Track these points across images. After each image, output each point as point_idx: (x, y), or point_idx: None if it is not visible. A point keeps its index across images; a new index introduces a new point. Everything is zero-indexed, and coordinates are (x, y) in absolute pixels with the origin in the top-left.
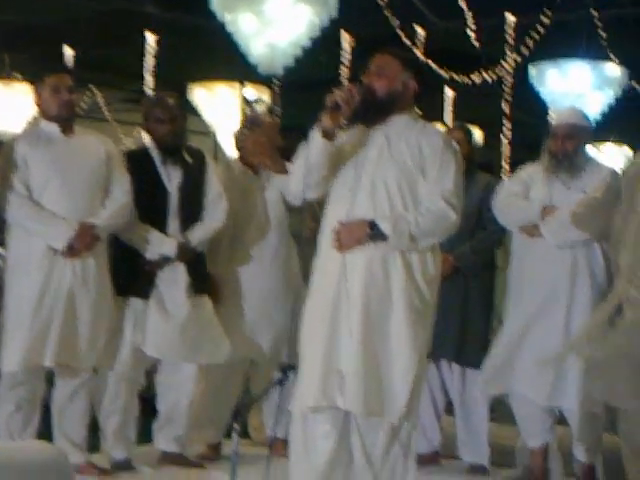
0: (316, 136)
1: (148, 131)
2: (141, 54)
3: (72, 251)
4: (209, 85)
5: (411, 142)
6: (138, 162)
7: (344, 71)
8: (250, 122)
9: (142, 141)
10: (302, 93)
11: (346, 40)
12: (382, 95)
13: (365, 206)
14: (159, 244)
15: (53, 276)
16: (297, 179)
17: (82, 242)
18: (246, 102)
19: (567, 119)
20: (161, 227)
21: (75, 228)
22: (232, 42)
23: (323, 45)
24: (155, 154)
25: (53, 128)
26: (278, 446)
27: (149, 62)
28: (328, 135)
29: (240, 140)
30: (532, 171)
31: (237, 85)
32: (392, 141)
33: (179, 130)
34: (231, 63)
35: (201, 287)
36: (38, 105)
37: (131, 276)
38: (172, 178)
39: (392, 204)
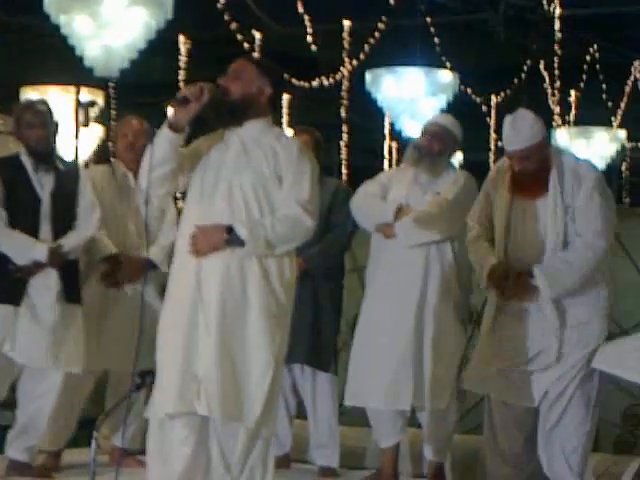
0: (163, 128)
1: (19, 137)
2: None
3: None
4: (42, 88)
5: (266, 148)
6: (9, 168)
7: (181, 74)
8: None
9: None
10: (138, 96)
11: (183, 43)
12: (236, 97)
13: (222, 211)
14: (30, 249)
15: None
16: (143, 174)
17: None
18: (80, 105)
19: (440, 120)
20: (33, 233)
21: None
22: (67, 44)
23: (160, 48)
24: (26, 160)
25: None
26: (117, 455)
27: None
28: (175, 128)
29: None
30: (391, 174)
31: (72, 89)
32: (248, 146)
33: (50, 135)
34: (65, 66)
35: (72, 295)
36: None
37: (1, 282)
38: (44, 184)
39: (248, 210)
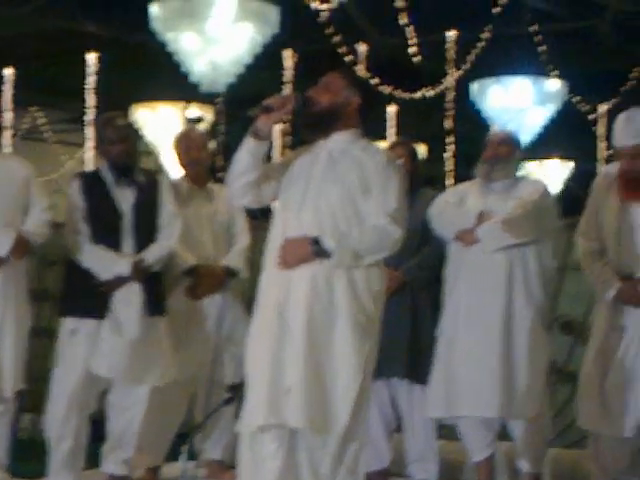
0: (246, 137)
1: (100, 152)
2: (83, 74)
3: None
4: (152, 105)
5: (354, 160)
6: (90, 183)
7: (287, 87)
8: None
9: (84, 162)
10: (245, 111)
11: (288, 57)
12: (323, 107)
13: (309, 223)
14: (113, 263)
15: None
16: (227, 184)
17: (19, 251)
18: (188, 121)
19: (502, 130)
20: (115, 248)
21: (14, 237)
22: (174, 61)
23: (265, 62)
24: (107, 175)
25: None
26: (215, 468)
27: (91, 82)
28: (257, 135)
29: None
30: (468, 185)
31: (181, 105)
32: (335, 158)
33: (131, 150)
34: (174, 82)
35: (156, 308)
36: None
37: (85, 297)
38: (125, 198)
39: (336, 221)
